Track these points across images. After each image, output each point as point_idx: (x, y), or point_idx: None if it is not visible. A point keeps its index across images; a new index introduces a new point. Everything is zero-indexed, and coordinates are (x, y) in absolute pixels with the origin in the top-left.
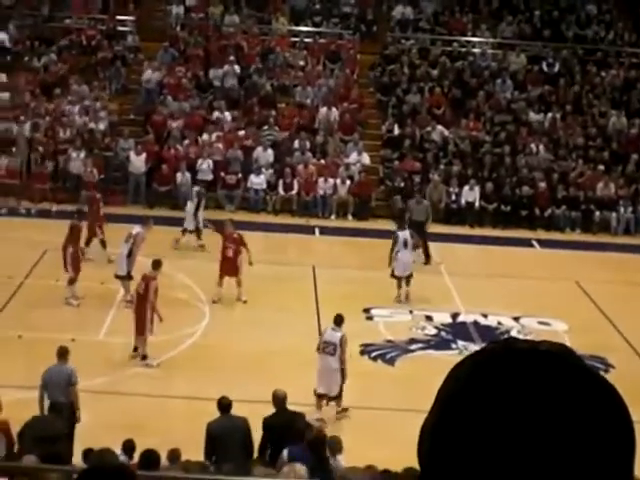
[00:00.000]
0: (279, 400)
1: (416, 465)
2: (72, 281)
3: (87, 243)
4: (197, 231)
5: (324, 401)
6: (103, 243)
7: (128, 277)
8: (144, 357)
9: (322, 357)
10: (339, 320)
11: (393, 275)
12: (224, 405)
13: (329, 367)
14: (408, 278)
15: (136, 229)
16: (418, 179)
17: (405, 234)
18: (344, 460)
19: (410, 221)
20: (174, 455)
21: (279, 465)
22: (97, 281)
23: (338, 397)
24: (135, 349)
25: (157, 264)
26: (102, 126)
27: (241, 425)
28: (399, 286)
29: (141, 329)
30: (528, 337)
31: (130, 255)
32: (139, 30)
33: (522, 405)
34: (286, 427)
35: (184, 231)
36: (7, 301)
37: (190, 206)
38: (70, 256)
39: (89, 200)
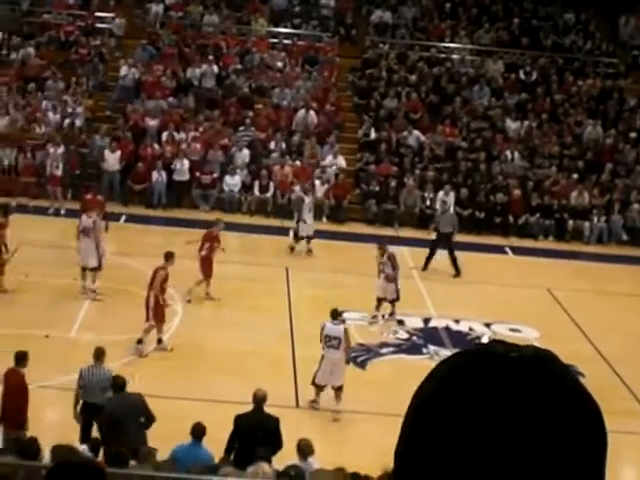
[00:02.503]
0: (256, 400)
1: (387, 469)
2: None
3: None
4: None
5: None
6: None
7: (99, 268)
8: (159, 341)
9: (327, 351)
10: (336, 313)
11: (398, 299)
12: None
13: (335, 360)
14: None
15: (87, 220)
16: (394, 183)
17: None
18: (316, 462)
19: (437, 233)
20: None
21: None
22: (69, 277)
23: (340, 388)
24: (139, 341)
25: (169, 256)
26: (78, 122)
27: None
28: (378, 308)
29: (147, 316)
30: None
31: (98, 246)
32: (118, 27)
33: (497, 409)
34: (257, 427)
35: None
36: None
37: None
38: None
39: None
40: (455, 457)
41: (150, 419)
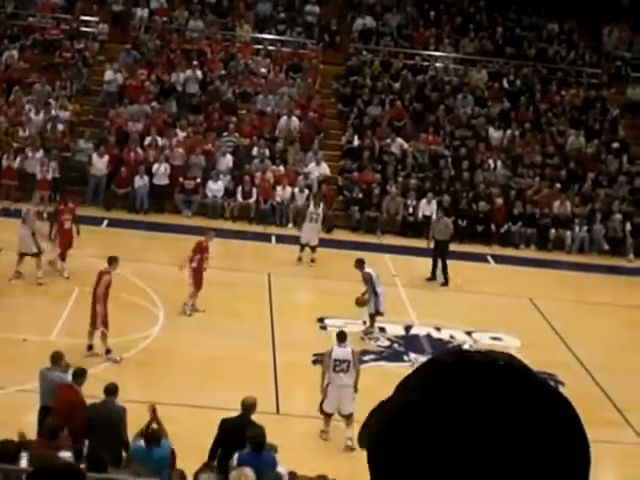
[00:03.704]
0: (244, 406)
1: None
2: None
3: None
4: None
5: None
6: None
7: (39, 253)
8: (108, 351)
9: (335, 377)
10: (343, 336)
11: (378, 313)
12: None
13: (343, 385)
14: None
15: (24, 208)
16: (377, 191)
17: (372, 269)
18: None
19: (435, 241)
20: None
21: (229, 468)
22: (50, 281)
23: (351, 415)
24: (90, 347)
25: (112, 260)
26: (61, 126)
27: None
28: (373, 324)
29: (94, 323)
30: None
31: (34, 234)
32: (102, 31)
33: (475, 418)
34: (241, 433)
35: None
36: None
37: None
38: None
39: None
40: (435, 466)
41: (123, 444)
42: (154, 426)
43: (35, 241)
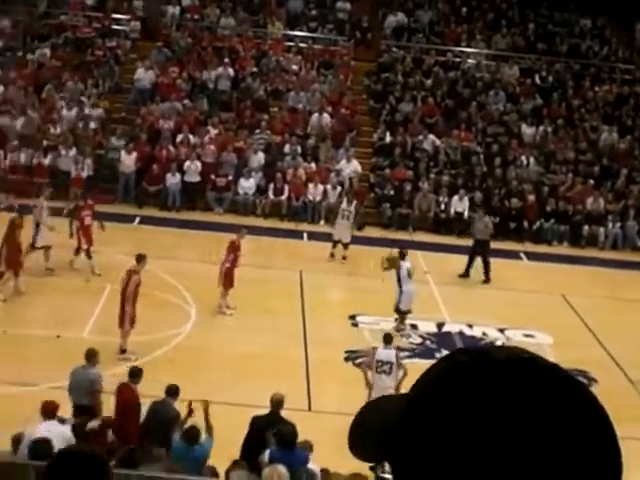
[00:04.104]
0: (273, 403)
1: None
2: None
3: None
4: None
5: None
6: (87, 252)
7: (34, 246)
8: (123, 351)
9: (377, 378)
10: (389, 338)
11: (398, 310)
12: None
13: (385, 387)
14: (406, 313)
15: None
16: (408, 188)
17: (407, 264)
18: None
19: (474, 240)
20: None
21: (260, 465)
22: (82, 279)
23: None
24: (122, 351)
25: (141, 258)
26: (93, 124)
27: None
28: (403, 320)
29: (121, 322)
30: None
31: (38, 225)
32: (133, 29)
33: (491, 413)
34: (272, 430)
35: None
36: None
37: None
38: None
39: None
40: (453, 462)
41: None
42: (190, 422)
43: (39, 232)
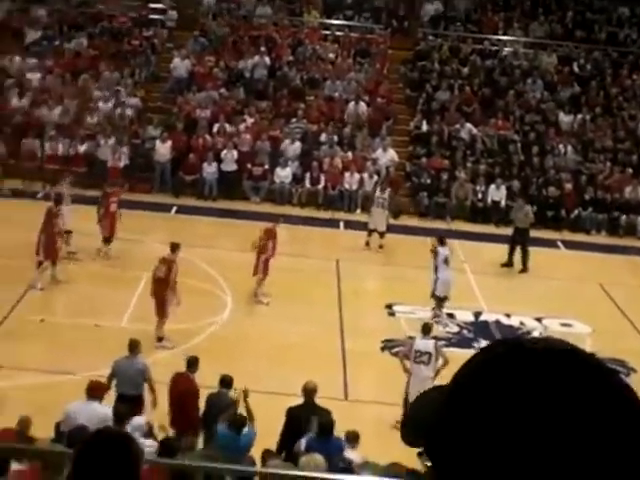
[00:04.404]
0: (306, 392)
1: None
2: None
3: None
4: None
5: None
6: (106, 239)
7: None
8: (160, 339)
9: (415, 368)
10: (428, 329)
11: (434, 296)
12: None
13: (423, 377)
14: (444, 300)
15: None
16: (445, 176)
17: (446, 250)
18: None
19: (514, 228)
20: (189, 443)
21: (296, 452)
22: (119, 268)
23: None
24: (160, 339)
25: (175, 247)
26: (129, 113)
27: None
28: (440, 307)
29: (162, 312)
30: None
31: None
32: (170, 18)
33: (532, 404)
34: (308, 419)
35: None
36: (29, 286)
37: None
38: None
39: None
40: (491, 452)
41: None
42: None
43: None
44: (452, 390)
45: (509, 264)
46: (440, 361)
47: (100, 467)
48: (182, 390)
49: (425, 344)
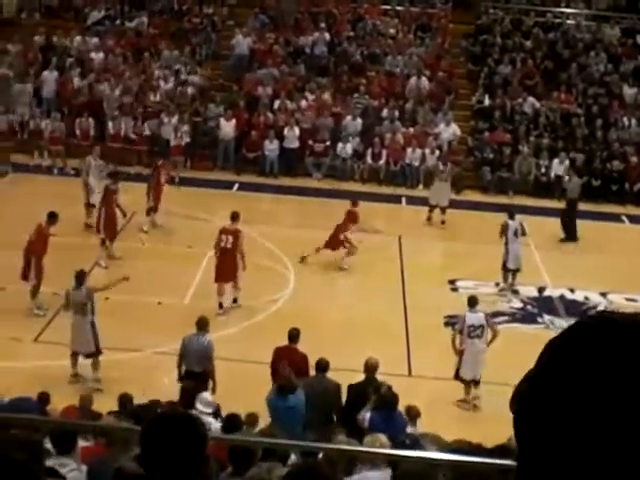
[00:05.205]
0: (368, 368)
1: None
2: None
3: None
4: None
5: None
6: (150, 209)
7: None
8: (235, 300)
9: (470, 342)
10: (474, 301)
11: (505, 268)
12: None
13: (478, 351)
14: (515, 272)
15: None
16: (508, 151)
17: (515, 223)
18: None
19: (567, 200)
20: (251, 420)
21: (359, 424)
22: (184, 245)
23: (479, 382)
24: (220, 306)
25: (236, 216)
26: (191, 91)
27: (331, 389)
28: (506, 279)
29: (226, 277)
30: None
31: (87, 185)
32: None
33: (620, 378)
34: (370, 395)
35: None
36: (95, 263)
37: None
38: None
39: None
40: (578, 426)
41: (336, 413)
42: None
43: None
44: (541, 364)
45: (573, 238)
46: (489, 334)
47: (167, 448)
48: (292, 362)
49: (477, 317)
